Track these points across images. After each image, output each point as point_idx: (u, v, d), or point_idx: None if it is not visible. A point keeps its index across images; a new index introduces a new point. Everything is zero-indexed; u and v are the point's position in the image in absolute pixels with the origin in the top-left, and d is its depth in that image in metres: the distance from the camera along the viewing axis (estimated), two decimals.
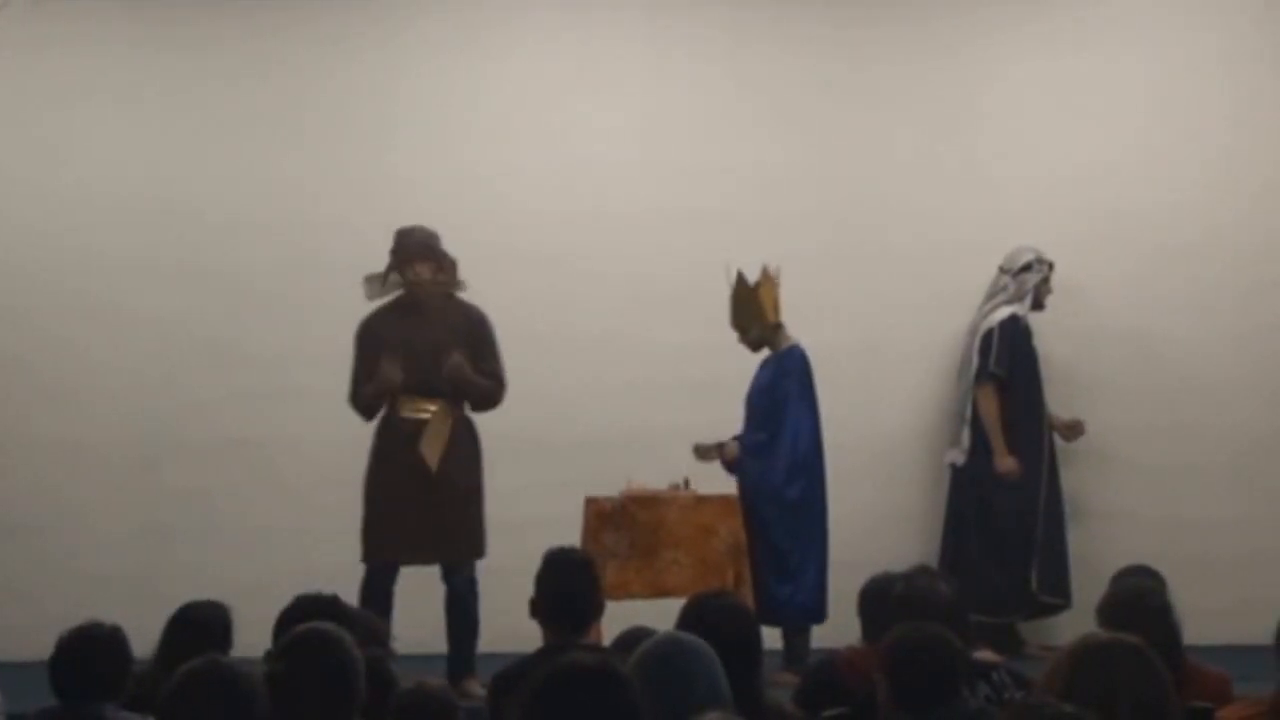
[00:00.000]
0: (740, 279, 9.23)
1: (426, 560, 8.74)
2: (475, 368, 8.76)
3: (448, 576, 8.77)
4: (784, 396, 9.20)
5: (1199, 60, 10.65)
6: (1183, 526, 10.19)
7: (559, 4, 10.69)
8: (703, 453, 9.23)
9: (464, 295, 8.96)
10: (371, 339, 8.81)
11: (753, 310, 9.25)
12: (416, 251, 8.79)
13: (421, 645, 8.33)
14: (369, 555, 8.73)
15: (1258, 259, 10.54)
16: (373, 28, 10.54)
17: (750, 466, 9.19)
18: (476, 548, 8.81)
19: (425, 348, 8.71)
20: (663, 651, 4.36)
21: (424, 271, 8.79)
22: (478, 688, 8.13)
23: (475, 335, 8.84)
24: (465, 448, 8.81)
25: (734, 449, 9.23)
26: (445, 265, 8.85)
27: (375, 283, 8.92)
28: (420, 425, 8.69)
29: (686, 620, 4.99)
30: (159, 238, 10.40)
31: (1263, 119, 10.61)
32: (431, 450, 8.65)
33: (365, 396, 8.78)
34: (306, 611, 5.34)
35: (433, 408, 8.72)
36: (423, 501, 8.62)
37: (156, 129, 10.51)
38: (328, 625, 4.80)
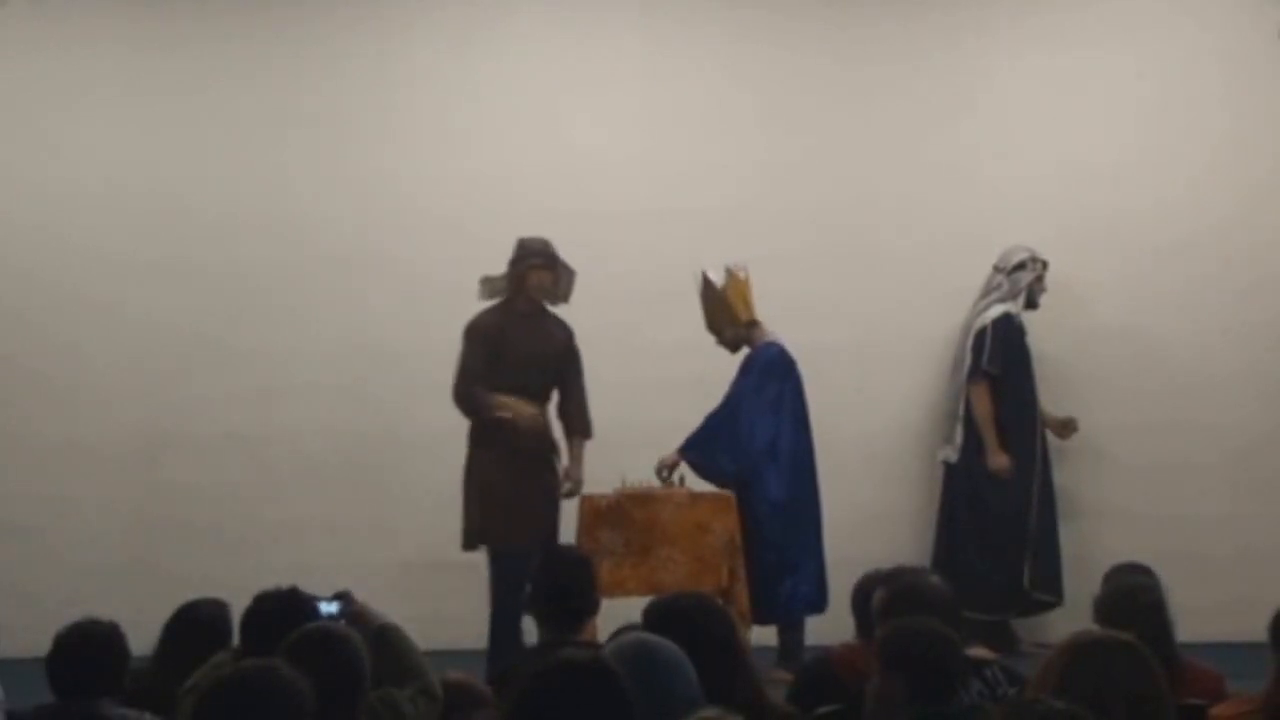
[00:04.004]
0: (706, 282, 9.24)
1: (526, 539, 8.78)
2: (566, 384, 9.15)
3: (505, 555, 8.85)
4: (739, 391, 9.19)
5: (1192, 59, 10.67)
6: (1176, 524, 10.22)
7: (555, 4, 10.70)
8: (660, 476, 9.27)
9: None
10: (484, 339, 9.01)
11: (723, 311, 9.26)
12: (538, 259, 9.03)
13: (452, 642, 8.50)
14: (492, 539, 8.87)
15: (1251, 257, 10.56)
16: (371, 27, 10.55)
17: (692, 457, 9.19)
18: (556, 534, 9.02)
19: (534, 355, 9.00)
20: (627, 652, 4.37)
21: (545, 280, 9.03)
22: None
23: (571, 351, 9.19)
24: (547, 445, 9.11)
25: (671, 456, 9.24)
26: (563, 277, 9.08)
27: (490, 284, 9.14)
28: (504, 424, 8.91)
29: (650, 622, 4.99)
30: (158, 236, 10.41)
31: (1258, 118, 10.63)
32: (530, 440, 8.91)
33: (486, 408, 8.93)
34: (272, 608, 5.35)
35: (532, 409, 8.97)
36: (515, 491, 8.86)
37: (155, 128, 10.52)
38: (335, 625, 4.81)
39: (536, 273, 9.03)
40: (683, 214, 10.41)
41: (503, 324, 9.02)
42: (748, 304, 9.27)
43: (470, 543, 8.99)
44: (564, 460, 9.21)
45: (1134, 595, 5.49)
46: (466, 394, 8.99)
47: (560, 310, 9.18)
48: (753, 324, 9.29)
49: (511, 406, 8.92)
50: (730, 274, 9.24)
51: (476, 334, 9.05)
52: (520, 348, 9.00)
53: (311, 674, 4.14)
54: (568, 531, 8.75)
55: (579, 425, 9.25)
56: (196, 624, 5.76)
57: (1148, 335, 10.60)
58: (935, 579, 5.71)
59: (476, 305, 9.31)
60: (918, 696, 4.70)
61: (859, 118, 10.64)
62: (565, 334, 9.18)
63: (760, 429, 9.18)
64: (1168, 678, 4.11)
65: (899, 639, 4.82)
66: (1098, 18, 10.66)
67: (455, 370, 9.02)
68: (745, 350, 9.33)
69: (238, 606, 5.76)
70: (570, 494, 9.17)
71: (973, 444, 10.11)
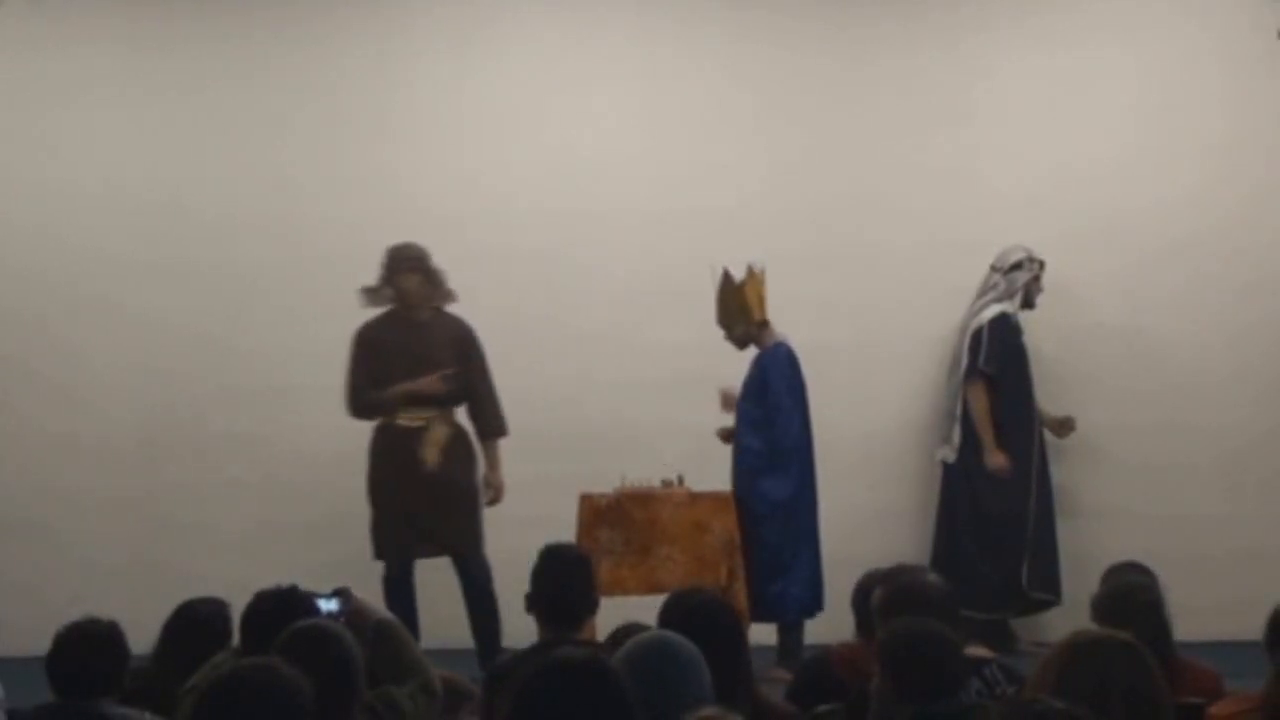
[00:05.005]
0: (726, 277, 9.26)
1: (436, 552, 9.10)
2: (471, 384, 9.18)
3: (462, 564, 9.09)
4: (775, 392, 9.23)
5: (1190, 58, 10.67)
6: (1173, 523, 10.22)
7: (555, 4, 10.70)
8: (726, 401, 9.32)
9: (452, 307, 9.27)
10: (370, 345, 9.14)
11: (738, 308, 9.28)
12: (406, 265, 9.13)
13: (452, 642, 8.63)
14: (382, 552, 9.08)
15: (1249, 257, 10.57)
16: (369, 27, 10.55)
17: (743, 436, 9.22)
18: (479, 540, 9.15)
19: (420, 358, 9.08)
20: (646, 650, 4.39)
21: (412, 283, 9.11)
22: None
23: (466, 349, 9.20)
24: (460, 451, 9.18)
25: (730, 395, 9.30)
26: (433, 279, 9.14)
27: (370, 294, 9.24)
28: (414, 430, 9.08)
29: (666, 618, 5.03)
30: (157, 236, 10.41)
31: (1256, 118, 10.62)
32: (430, 453, 9.03)
33: (386, 400, 9.07)
34: (272, 606, 5.36)
35: (428, 415, 9.10)
36: (424, 500, 9.01)
37: (154, 127, 10.52)
38: (328, 623, 4.82)
39: (406, 277, 9.12)
40: (682, 214, 10.41)
41: (386, 332, 9.12)
42: (762, 304, 9.31)
43: (378, 553, 9.09)
44: (482, 467, 9.25)
45: (1132, 594, 5.50)
46: (359, 404, 9.14)
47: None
48: (764, 324, 9.32)
49: (408, 386, 9.00)
50: (751, 272, 9.27)
51: (358, 344, 9.18)
52: (407, 353, 9.08)
53: (305, 671, 4.16)
54: (567, 531, 8.74)
55: (491, 426, 9.27)
56: (196, 623, 5.77)
57: (1145, 335, 10.60)
58: (934, 578, 5.72)
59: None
60: (917, 696, 4.71)
61: (859, 118, 10.64)
62: (458, 334, 9.20)
63: (790, 434, 9.22)
64: (1166, 677, 4.12)
65: (898, 639, 4.83)
66: (1097, 18, 10.66)
67: (346, 386, 9.14)
68: (752, 349, 9.35)
69: (238, 605, 5.76)
70: (493, 502, 9.22)
71: (971, 443, 10.12)
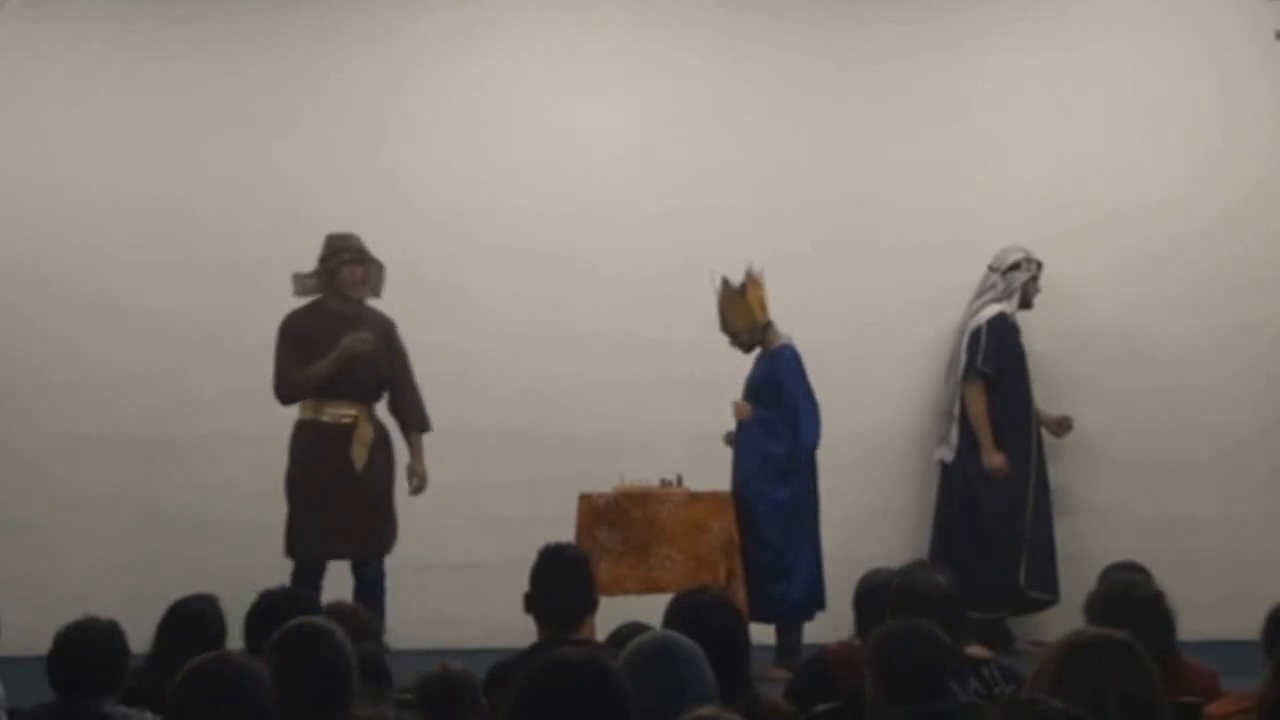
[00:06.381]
0: (725, 284, 9.27)
1: (349, 555, 8.96)
2: (395, 377, 9.09)
3: (361, 568, 8.96)
4: (792, 394, 9.23)
5: (1188, 59, 10.68)
6: (1170, 522, 10.24)
7: (554, 4, 10.71)
8: (740, 411, 9.32)
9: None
10: (297, 334, 9.04)
11: (741, 313, 9.30)
12: (351, 256, 9.05)
13: (452, 642, 8.61)
14: (298, 551, 8.95)
15: (1246, 258, 10.58)
16: (369, 27, 10.56)
17: (759, 443, 9.21)
18: (390, 544, 9.07)
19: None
20: (651, 650, 4.40)
21: (357, 274, 9.05)
22: None
23: (390, 341, 9.13)
24: (382, 451, 9.09)
25: (745, 409, 9.27)
26: (374, 271, 9.08)
27: (302, 282, 9.17)
28: (341, 428, 8.98)
29: (673, 617, 5.04)
30: (156, 235, 10.42)
31: (1252, 118, 10.64)
32: (360, 452, 8.93)
33: (313, 375, 8.91)
34: (280, 606, 5.37)
35: (354, 412, 9.00)
36: (347, 500, 8.89)
37: (154, 127, 10.53)
38: (318, 619, 4.83)
39: (348, 268, 9.05)
40: (682, 214, 10.42)
41: (314, 321, 9.03)
42: (764, 306, 9.32)
43: (291, 552, 8.97)
44: (405, 457, 9.17)
45: (1129, 593, 5.50)
46: (287, 385, 8.99)
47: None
48: (768, 325, 9.34)
49: (344, 348, 8.88)
50: (749, 276, 9.28)
51: (287, 333, 9.07)
52: (334, 342, 8.96)
53: (298, 669, 4.21)
54: (566, 531, 8.75)
55: (414, 420, 9.19)
56: (188, 621, 5.75)
57: (1142, 335, 10.62)
58: (941, 578, 5.72)
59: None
60: (906, 697, 4.72)
61: (857, 118, 10.65)
62: (383, 327, 9.12)
63: (813, 426, 9.23)
64: (1163, 676, 4.13)
65: (887, 641, 4.85)
66: (1095, 19, 10.67)
67: (275, 371, 9.03)
68: (758, 351, 9.36)
69: (239, 604, 5.78)
70: (417, 490, 9.14)
71: (968, 443, 10.13)
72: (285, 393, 9.05)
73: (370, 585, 8.89)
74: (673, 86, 10.64)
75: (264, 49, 10.57)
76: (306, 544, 8.93)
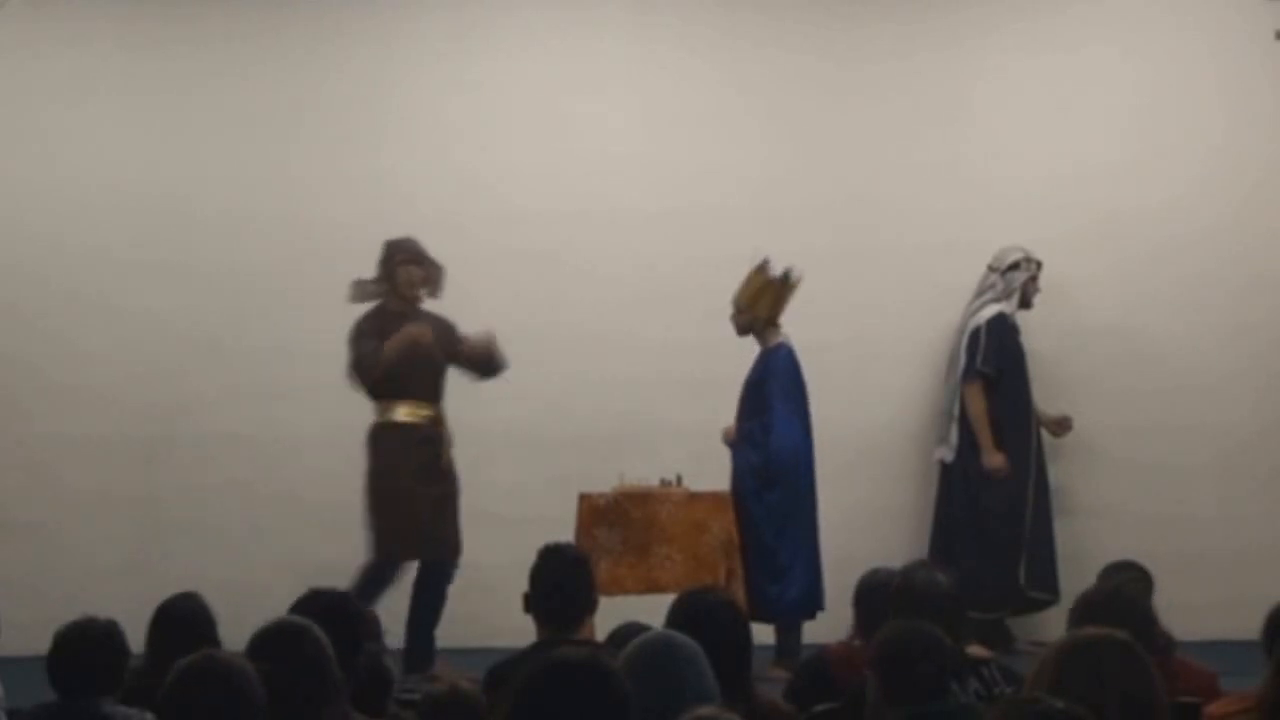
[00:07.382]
0: (764, 265, 9.29)
1: (446, 556, 9.04)
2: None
3: (442, 570, 9.02)
4: (769, 396, 9.25)
5: (1188, 59, 10.68)
6: (1170, 522, 10.24)
7: (554, 4, 10.72)
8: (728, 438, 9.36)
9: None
10: (371, 330, 9.04)
11: (751, 295, 9.31)
12: (407, 256, 9.10)
13: (453, 642, 8.76)
14: (400, 555, 9.00)
15: (1245, 257, 10.58)
16: (369, 27, 10.56)
17: (741, 453, 9.26)
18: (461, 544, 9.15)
19: (421, 353, 9.00)
20: (651, 649, 4.41)
21: (415, 275, 9.10)
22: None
23: (451, 342, 9.15)
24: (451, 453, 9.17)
25: (732, 431, 9.31)
26: (433, 273, 9.13)
27: (362, 288, 9.18)
28: (418, 428, 9.02)
29: (675, 617, 5.04)
30: (156, 235, 10.42)
31: (1253, 118, 10.64)
32: (448, 455, 9.05)
33: (386, 355, 8.91)
34: (314, 606, 5.36)
35: (430, 412, 9.06)
36: (438, 500, 9.00)
37: (154, 127, 10.53)
38: (294, 618, 4.84)
39: (405, 268, 9.09)
40: (682, 214, 10.43)
41: (381, 327, 9.04)
42: (779, 305, 9.34)
43: (391, 555, 9.00)
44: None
45: (1105, 602, 5.47)
46: (365, 371, 8.96)
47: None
48: (771, 322, 9.34)
49: (405, 336, 8.92)
50: (788, 275, 9.31)
51: (360, 330, 9.06)
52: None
53: (278, 668, 4.24)
54: (565, 530, 8.75)
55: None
56: (176, 620, 5.75)
57: (1142, 335, 10.62)
58: (941, 578, 5.73)
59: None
60: (906, 697, 4.73)
61: (857, 119, 10.65)
62: (445, 327, 9.17)
63: (789, 435, 9.23)
64: (1163, 676, 4.13)
65: (887, 642, 4.85)
66: (1095, 19, 10.67)
67: (350, 362, 9.03)
68: (751, 338, 9.38)
69: (236, 604, 5.78)
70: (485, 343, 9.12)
71: (968, 443, 10.13)
72: (365, 376, 9.01)
73: (439, 588, 8.99)
74: (673, 86, 10.65)
75: (264, 49, 10.58)
76: (403, 546, 8.97)
